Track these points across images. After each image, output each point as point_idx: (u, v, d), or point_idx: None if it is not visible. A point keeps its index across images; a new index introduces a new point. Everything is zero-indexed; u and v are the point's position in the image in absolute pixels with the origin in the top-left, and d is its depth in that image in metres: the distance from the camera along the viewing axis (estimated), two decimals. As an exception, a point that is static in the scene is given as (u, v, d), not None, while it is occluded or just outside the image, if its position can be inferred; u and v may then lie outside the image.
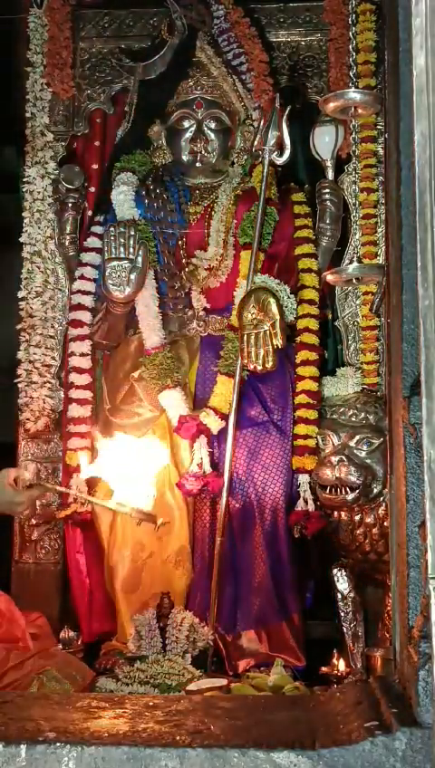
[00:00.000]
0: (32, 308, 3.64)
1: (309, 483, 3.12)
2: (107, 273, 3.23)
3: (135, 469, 2.58)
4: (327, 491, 2.88)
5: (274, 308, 3.07)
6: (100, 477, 2.75)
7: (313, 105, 3.72)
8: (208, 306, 3.45)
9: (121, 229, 3.26)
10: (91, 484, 3.34)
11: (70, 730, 1.59)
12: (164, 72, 3.64)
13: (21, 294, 3.65)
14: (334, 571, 3.03)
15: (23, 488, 2.54)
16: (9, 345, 3.70)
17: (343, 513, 2.94)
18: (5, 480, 2.49)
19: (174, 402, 3.22)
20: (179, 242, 3.50)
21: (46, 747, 1.52)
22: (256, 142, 3.34)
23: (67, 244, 3.69)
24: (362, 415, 2.94)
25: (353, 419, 2.95)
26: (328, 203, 3.52)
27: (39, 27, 3.75)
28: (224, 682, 2.72)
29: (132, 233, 3.25)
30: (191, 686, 2.65)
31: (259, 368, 3.09)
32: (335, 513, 2.97)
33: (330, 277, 3.05)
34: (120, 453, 2.63)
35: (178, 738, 1.54)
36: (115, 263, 3.21)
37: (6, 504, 2.52)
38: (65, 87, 3.76)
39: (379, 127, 3.40)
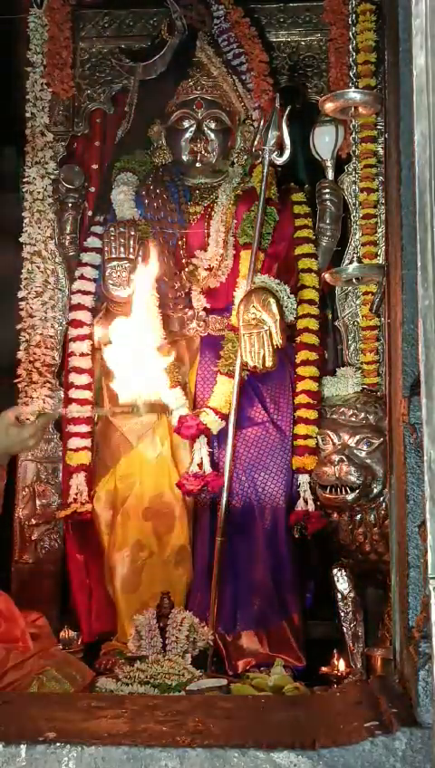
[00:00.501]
0: (32, 308, 3.64)
1: (309, 483, 3.12)
2: (107, 273, 3.23)
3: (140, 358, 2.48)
4: (327, 491, 2.88)
5: (274, 308, 3.07)
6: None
7: (313, 105, 3.73)
8: (208, 306, 3.45)
9: (121, 229, 3.26)
10: (91, 483, 3.35)
11: (70, 730, 1.58)
12: (164, 71, 3.64)
13: (21, 294, 3.65)
14: (334, 571, 3.03)
15: (26, 423, 2.47)
16: (9, 345, 3.70)
17: (343, 514, 2.94)
18: (7, 422, 2.44)
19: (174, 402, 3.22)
20: (179, 242, 3.50)
21: (46, 747, 1.52)
22: (255, 142, 3.35)
23: (67, 244, 3.69)
24: (362, 415, 2.94)
25: (353, 419, 2.95)
26: (328, 203, 3.52)
27: (39, 27, 3.75)
28: (224, 682, 2.72)
29: (132, 233, 3.25)
30: (191, 686, 2.65)
31: (259, 367, 3.09)
32: (335, 513, 2.97)
33: (328, 277, 3.05)
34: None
35: (178, 738, 1.54)
36: (115, 263, 3.22)
37: (17, 444, 2.47)
38: (65, 87, 3.76)
39: (379, 127, 3.40)
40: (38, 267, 3.67)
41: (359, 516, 2.91)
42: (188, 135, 3.58)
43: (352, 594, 3.01)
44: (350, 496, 2.84)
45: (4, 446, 2.41)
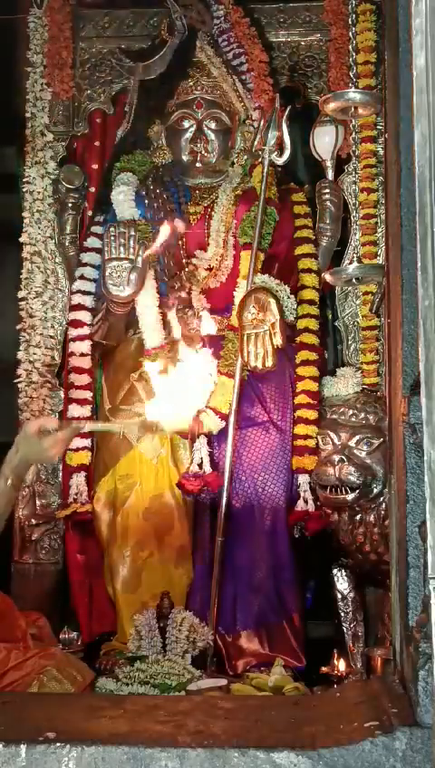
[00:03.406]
0: (32, 308, 3.65)
1: (309, 483, 3.12)
2: (107, 273, 3.23)
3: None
4: (327, 491, 2.88)
5: (274, 308, 3.07)
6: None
7: (313, 105, 3.73)
8: (208, 306, 3.45)
9: (121, 229, 3.26)
10: (91, 483, 3.35)
11: (70, 730, 1.58)
12: (164, 71, 3.64)
13: (21, 294, 3.66)
14: (334, 571, 3.03)
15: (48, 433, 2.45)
16: (9, 345, 3.70)
17: (343, 514, 2.94)
18: (28, 431, 2.43)
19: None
20: (179, 242, 3.50)
21: (46, 747, 1.52)
22: (255, 142, 3.35)
23: (67, 244, 3.70)
24: (362, 415, 2.95)
25: (353, 419, 2.95)
26: (328, 203, 3.52)
27: (39, 27, 3.76)
28: (224, 682, 2.72)
29: (132, 233, 3.25)
30: (191, 686, 2.65)
31: (259, 367, 3.09)
32: (335, 513, 2.97)
33: (328, 277, 3.05)
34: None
35: (178, 738, 1.54)
36: (115, 263, 3.21)
37: (34, 453, 2.45)
38: (65, 87, 3.76)
39: (379, 127, 3.40)
40: (38, 267, 3.67)
41: (359, 516, 2.91)
42: (188, 135, 3.58)
43: (352, 594, 3.01)
44: (350, 496, 2.84)
45: (22, 455, 2.40)
